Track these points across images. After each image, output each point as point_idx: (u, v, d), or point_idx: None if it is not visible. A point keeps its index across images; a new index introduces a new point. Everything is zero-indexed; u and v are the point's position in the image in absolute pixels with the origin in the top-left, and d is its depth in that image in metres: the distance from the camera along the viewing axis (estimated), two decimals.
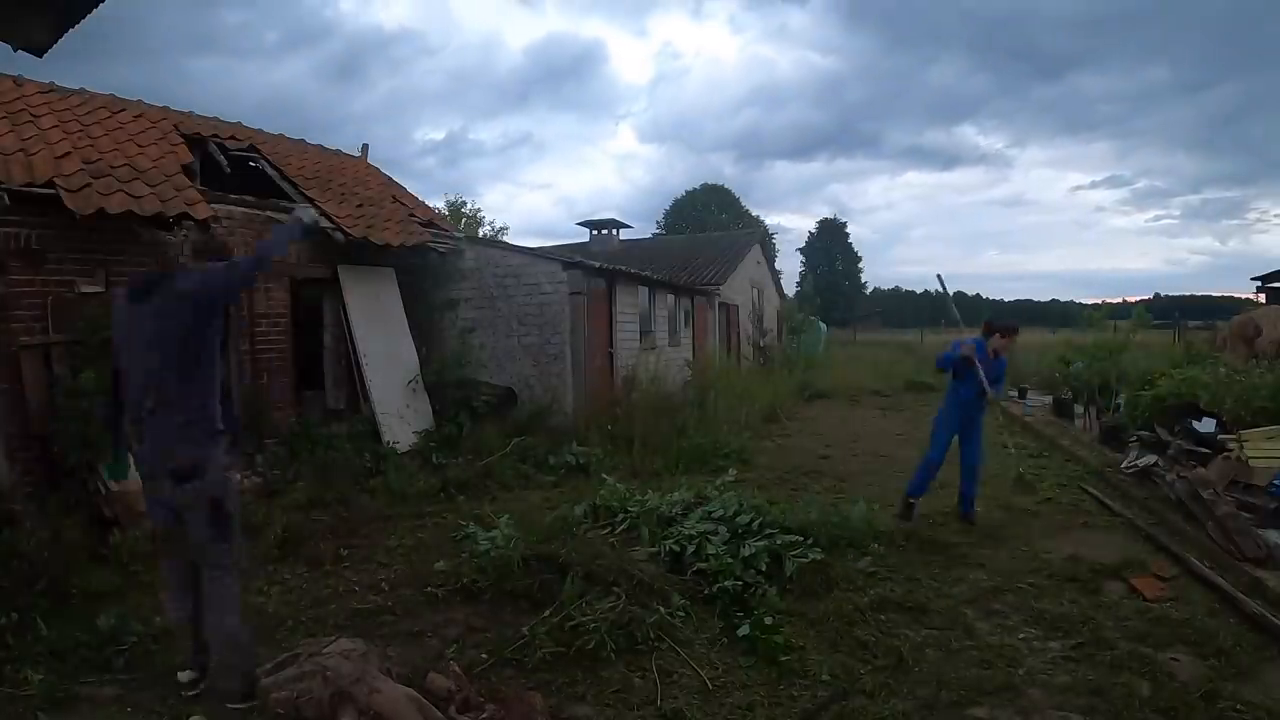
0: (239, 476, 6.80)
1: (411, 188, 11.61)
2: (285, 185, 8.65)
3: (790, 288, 33.12)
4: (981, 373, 5.81)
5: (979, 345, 6.02)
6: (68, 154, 6.16)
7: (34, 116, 6.63)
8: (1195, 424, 7.15)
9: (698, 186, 48.35)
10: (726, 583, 4.25)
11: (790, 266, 56.04)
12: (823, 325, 25.49)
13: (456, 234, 10.96)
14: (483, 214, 36.08)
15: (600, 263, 11.55)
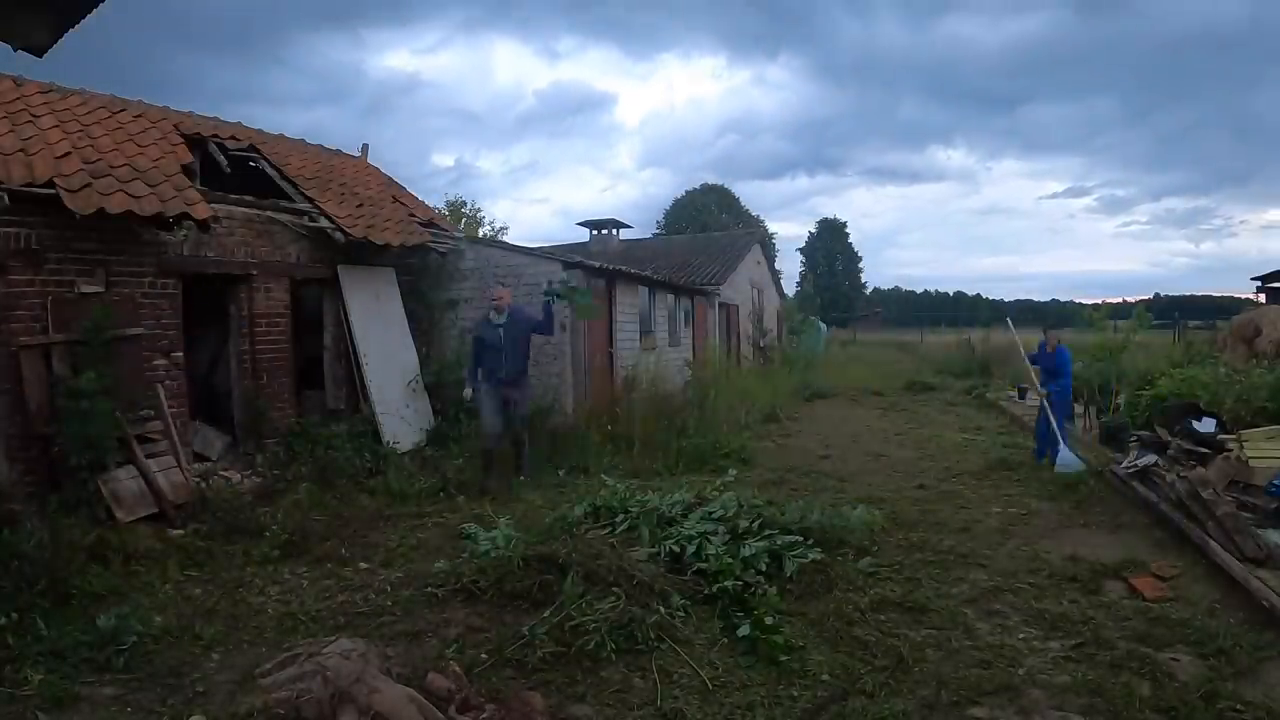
0: (239, 475, 6.80)
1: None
2: (285, 185, 8.64)
3: (790, 288, 33.13)
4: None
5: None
6: (68, 154, 6.15)
7: (34, 116, 6.62)
8: (1195, 424, 7.15)
9: (697, 186, 48.37)
10: (726, 583, 4.25)
11: (790, 267, 56.03)
12: (822, 325, 25.50)
13: (457, 234, 10.96)
14: (482, 214, 36.04)
15: (600, 263, 11.56)
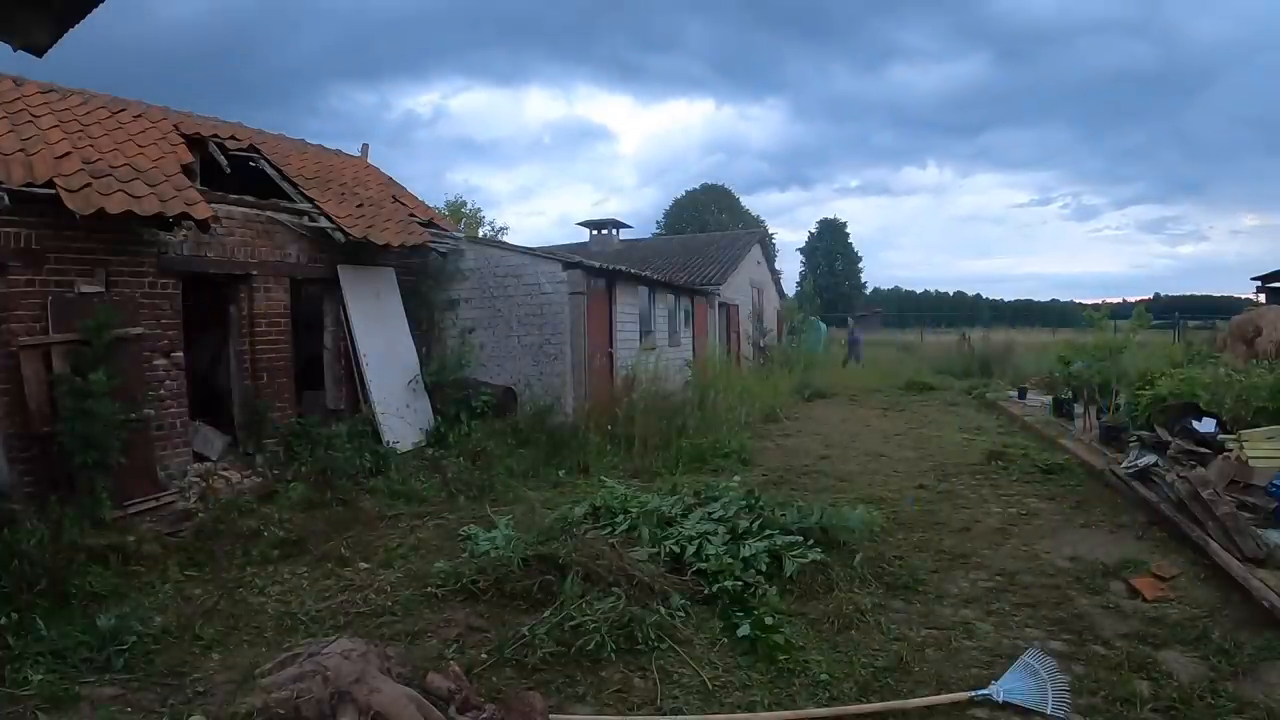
0: (239, 475, 6.81)
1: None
2: (285, 185, 8.65)
3: (790, 288, 33.13)
4: None
5: None
6: (68, 154, 6.15)
7: (34, 116, 6.62)
8: (1195, 424, 7.14)
9: (697, 186, 48.38)
10: (726, 583, 4.26)
11: (790, 267, 56.05)
12: (822, 325, 25.47)
13: (457, 234, 10.96)
14: (482, 214, 36.05)
15: (600, 263, 11.56)
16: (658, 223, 47.46)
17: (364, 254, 8.67)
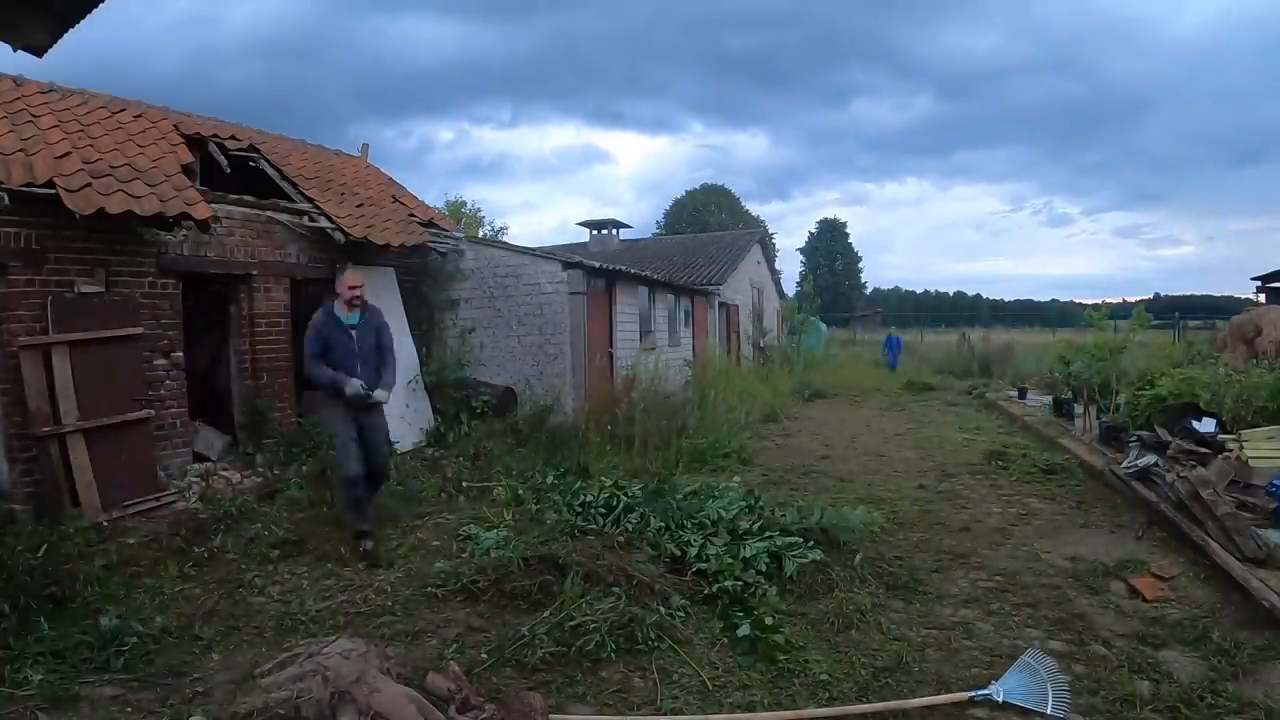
0: (239, 475, 6.81)
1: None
2: (285, 185, 8.64)
3: (790, 288, 33.11)
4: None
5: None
6: (68, 154, 6.15)
7: (34, 116, 6.62)
8: (1195, 424, 7.14)
9: (697, 186, 48.38)
10: (726, 583, 4.26)
11: (790, 268, 56.08)
12: (822, 325, 25.46)
13: (457, 234, 10.96)
14: (483, 214, 36.09)
15: (600, 263, 11.56)
16: (658, 223, 47.51)
17: (364, 254, 8.66)
